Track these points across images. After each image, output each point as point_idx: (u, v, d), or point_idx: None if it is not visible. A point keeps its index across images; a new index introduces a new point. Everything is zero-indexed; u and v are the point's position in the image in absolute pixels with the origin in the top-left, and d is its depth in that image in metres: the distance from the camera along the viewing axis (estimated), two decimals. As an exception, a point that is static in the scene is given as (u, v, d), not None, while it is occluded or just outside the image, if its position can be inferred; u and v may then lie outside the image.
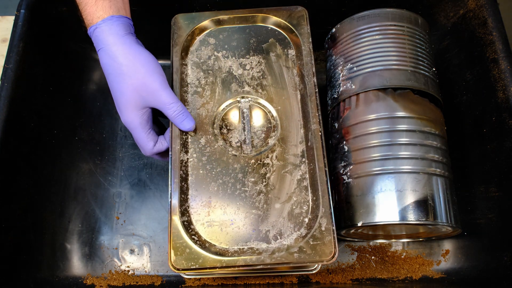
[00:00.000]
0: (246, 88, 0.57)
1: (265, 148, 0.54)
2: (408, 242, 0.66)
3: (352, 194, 0.56)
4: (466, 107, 0.65)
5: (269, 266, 0.47)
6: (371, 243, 0.66)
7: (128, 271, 0.65)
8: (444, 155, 0.57)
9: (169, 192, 0.50)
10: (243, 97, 0.57)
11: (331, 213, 0.49)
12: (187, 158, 0.53)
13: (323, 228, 0.48)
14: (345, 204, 0.57)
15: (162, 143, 0.55)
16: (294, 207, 0.51)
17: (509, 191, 0.56)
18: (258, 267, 0.47)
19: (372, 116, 0.57)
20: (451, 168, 0.58)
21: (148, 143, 0.54)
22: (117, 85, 0.51)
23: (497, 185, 0.58)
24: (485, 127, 0.60)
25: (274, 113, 0.56)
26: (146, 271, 0.66)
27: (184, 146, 0.53)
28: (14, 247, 0.57)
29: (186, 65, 0.58)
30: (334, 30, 0.65)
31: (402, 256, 0.65)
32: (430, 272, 0.64)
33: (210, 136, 0.54)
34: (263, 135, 0.55)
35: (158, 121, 0.59)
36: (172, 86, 0.55)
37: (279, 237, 0.49)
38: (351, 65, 0.60)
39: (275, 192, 0.51)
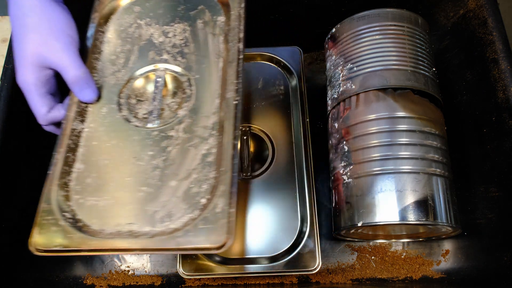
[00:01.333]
0: (165, 56, 0.52)
1: (173, 119, 0.48)
2: (408, 242, 0.66)
3: (352, 194, 0.56)
4: (466, 107, 0.65)
5: (143, 253, 0.41)
6: (371, 243, 0.66)
7: (128, 271, 0.65)
8: (444, 155, 0.57)
9: (51, 162, 0.45)
10: (158, 66, 0.52)
11: (231, 192, 0.41)
12: (82, 128, 0.48)
13: (217, 210, 0.40)
14: (345, 204, 0.57)
15: (59, 111, 0.48)
16: (192, 185, 0.43)
17: (509, 191, 0.56)
18: (133, 252, 0.40)
19: (372, 116, 0.57)
20: (451, 168, 0.58)
21: (41, 107, 0.47)
22: (17, 38, 0.46)
23: (497, 185, 0.58)
24: (485, 127, 0.60)
25: (191, 82, 0.51)
26: (146, 271, 0.66)
27: (81, 115, 0.49)
28: (14, 247, 0.57)
29: (103, 32, 0.54)
30: (334, 30, 0.65)
31: (402, 256, 0.65)
32: (430, 272, 0.64)
33: (114, 106, 0.49)
34: (175, 106, 0.50)
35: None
36: (81, 52, 0.50)
37: (167, 220, 0.42)
38: (351, 65, 0.60)
39: (173, 168, 0.45)
